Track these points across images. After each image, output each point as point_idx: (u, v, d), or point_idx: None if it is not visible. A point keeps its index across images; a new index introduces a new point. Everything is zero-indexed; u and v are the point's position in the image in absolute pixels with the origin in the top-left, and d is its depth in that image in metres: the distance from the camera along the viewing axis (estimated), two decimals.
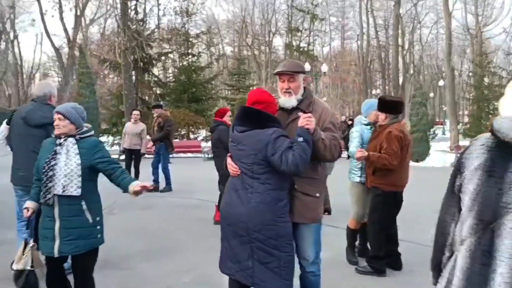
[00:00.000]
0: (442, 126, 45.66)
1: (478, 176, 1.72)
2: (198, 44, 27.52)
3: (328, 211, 7.91)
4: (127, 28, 20.62)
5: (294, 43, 51.47)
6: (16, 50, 46.60)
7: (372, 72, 51.41)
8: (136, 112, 10.81)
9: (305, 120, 3.02)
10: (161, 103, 14.57)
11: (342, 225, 5.65)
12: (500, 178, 1.66)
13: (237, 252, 3.15)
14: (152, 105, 12.45)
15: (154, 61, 24.08)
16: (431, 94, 53.40)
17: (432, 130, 21.35)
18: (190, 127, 21.95)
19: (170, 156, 10.96)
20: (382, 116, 4.87)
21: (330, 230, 6.33)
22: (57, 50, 37.96)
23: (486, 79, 28.35)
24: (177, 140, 22.08)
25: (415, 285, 4.52)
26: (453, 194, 1.86)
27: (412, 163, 17.60)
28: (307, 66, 32.77)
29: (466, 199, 1.76)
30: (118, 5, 21.04)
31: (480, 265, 1.71)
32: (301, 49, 49.86)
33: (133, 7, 22.32)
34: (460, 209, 1.83)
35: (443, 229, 1.93)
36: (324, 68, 31.03)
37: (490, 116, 22.08)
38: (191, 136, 22.59)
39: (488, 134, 1.78)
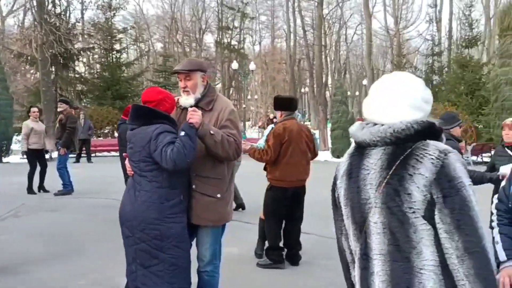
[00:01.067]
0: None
1: (344, 182, 1.74)
2: (124, 39, 26.77)
3: (241, 206, 8.03)
4: (43, 21, 19.68)
5: (225, 41, 51.60)
6: None
7: (301, 70, 52.55)
8: (34, 109, 10.14)
9: (190, 114, 2.97)
10: (68, 99, 13.82)
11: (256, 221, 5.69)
12: (357, 177, 1.68)
13: (126, 255, 3.12)
14: (59, 99, 11.88)
15: (75, 57, 23.12)
16: (357, 93, 55.50)
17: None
18: (114, 125, 21.32)
19: (93, 155, 10.54)
20: (278, 113, 5.07)
21: (245, 226, 6.43)
22: None
23: None
24: (100, 138, 21.41)
25: (316, 276, 4.71)
26: (336, 208, 1.83)
27: (333, 159, 18.46)
28: (234, 65, 33.00)
29: (342, 208, 1.76)
30: None
31: (362, 270, 1.67)
32: (232, 47, 50.05)
33: (51, 0, 21.33)
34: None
35: (339, 247, 1.88)
36: (252, 66, 31.27)
37: None
38: (115, 134, 21.95)
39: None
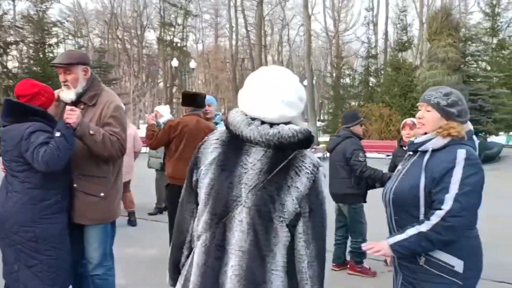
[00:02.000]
0: (306, 123, 48.40)
1: (212, 171, 1.71)
2: (61, 34, 25.54)
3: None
4: None
5: (168, 38, 50.76)
6: None
7: (244, 70, 52.70)
8: None
9: (66, 114, 2.81)
10: None
11: None
12: (231, 172, 1.66)
13: (5, 255, 2.96)
14: None
15: (2, 50, 21.85)
16: None
17: None
18: None
19: None
20: (186, 109, 4.95)
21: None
22: None
23: (342, 80, 30.77)
24: None
25: None
26: (191, 190, 1.83)
27: None
28: (174, 62, 32.47)
29: (202, 194, 1.74)
30: None
31: (213, 259, 1.70)
32: (174, 45, 49.30)
33: None
34: (198, 205, 1.80)
35: (181, 227, 1.88)
36: (193, 64, 30.91)
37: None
38: None
39: (223, 128, 1.77)
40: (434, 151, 2.18)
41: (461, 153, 2.11)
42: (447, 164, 2.10)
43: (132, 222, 6.98)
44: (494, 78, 19.87)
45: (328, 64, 47.43)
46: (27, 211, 2.81)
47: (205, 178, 1.73)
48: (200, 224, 1.75)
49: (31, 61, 23.53)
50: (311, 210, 1.64)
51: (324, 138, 25.97)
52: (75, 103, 3.05)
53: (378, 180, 4.59)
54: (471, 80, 17.31)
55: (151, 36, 56.45)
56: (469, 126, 2.34)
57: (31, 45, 23.59)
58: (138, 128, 14.74)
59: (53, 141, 2.74)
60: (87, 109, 3.00)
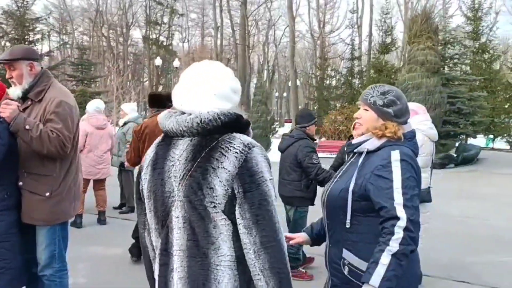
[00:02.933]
0: (290, 123, 48.52)
1: (148, 173, 1.66)
2: (46, 31, 25.22)
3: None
4: None
5: (153, 37, 50.48)
6: None
7: (237, 70, 52.68)
8: None
9: (1, 108, 2.75)
10: None
11: None
12: (162, 168, 1.61)
13: None
14: None
15: None
16: (285, 94, 56.54)
17: (273, 127, 22.54)
18: None
19: None
20: (151, 110, 4.98)
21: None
22: None
23: (327, 82, 30.90)
24: None
25: None
26: (140, 202, 1.75)
27: None
28: (157, 61, 32.28)
29: (146, 201, 1.68)
30: None
31: (161, 266, 1.62)
32: (160, 43, 49.03)
33: None
34: None
35: (143, 243, 1.79)
36: (176, 63, 30.78)
37: (327, 114, 23.99)
38: None
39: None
40: (369, 152, 2.10)
41: (395, 155, 1.99)
42: (380, 167, 1.99)
43: (102, 221, 6.91)
44: (474, 81, 20.11)
45: (313, 65, 47.55)
46: None
47: (145, 183, 1.67)
48: (152, 233, 1.68)
49: None
50: (245, 191, 1.49)
51: None
52: (23, 99, 3.00)
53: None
54: (450, 83, 17.46)
55: (136, 34, 56.19)
56: (411, 126, 2.22)
57: (12, 41, 23.21)
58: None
59: None
60: (34, 105, 2.93)
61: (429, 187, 4.21)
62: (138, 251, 4.99)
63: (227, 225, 1.52)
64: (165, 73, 49.04)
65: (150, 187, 1.64)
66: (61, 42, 45.61)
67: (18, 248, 2.89)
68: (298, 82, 41.31)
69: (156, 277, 1.66)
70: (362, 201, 2.03)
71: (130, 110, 7.45)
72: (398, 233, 1.87)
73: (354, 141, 2.21)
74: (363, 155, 2.13)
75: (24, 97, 2.99)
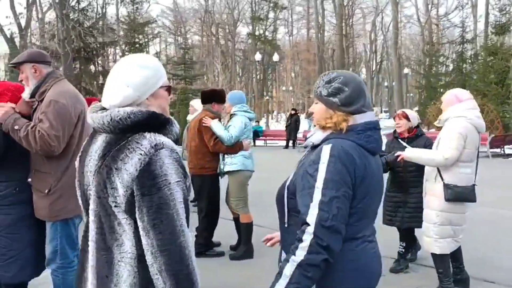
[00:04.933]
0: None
1: (77, 164, 1.73)
2: (162, 33, 27.13)
3: None
4: (65, 17, 20.29)
5: (259, 32, 51.47)
6: None
7: (334, 61, 51.73)
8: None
9: None
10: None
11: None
12: (83, 162, 1.67)
13: None
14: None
15: (99, 50, 23.71)
16: (394, 83, 54.06)
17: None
18: None
19: None
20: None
21: None
22: (12, 40, 36.90)
23: (434, 68, 28.89)
24: None
25: (260, 267, 4.58)
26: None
27: None
28: (256, 56, 32.78)
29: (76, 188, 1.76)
30: None
31: (81, 251, 1.68)
32: (264, 38, 49.77)
33: None
34: None
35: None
36: (276, 57, 30.97)
37: (435, 103, 22.41)
38: None
39: None
40: (314, 147, 1.90)
41: (326, 150, 1.77)
42: (310, 163, 1.80)
43: None
44: None
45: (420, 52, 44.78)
46: None
47: (76, 174, 1.74)
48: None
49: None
50: (143, 194, 1.47)
51: None
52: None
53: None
54: None
55: (244, 31, 57.68)
56: (372, 116, 1.89)
57: (125, 45, 25.27)
58: None
59: None
60: (39, 105, 3.09)
61: (473, 185, 3.74)
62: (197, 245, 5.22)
63: (129, 224, 1.53)
64: (270, 68, 49.77)
65: (77, 178, 1.72)
66: (176, 43, 48.63)
67: (27, 240, 3.09)
68: (406, 70, 39.21)
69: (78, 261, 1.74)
70: (295, 198, 1.85)
71: (200, 106, 7.60)
72: (306, 240, 1.68)
73: (308, 135, 2.03)
74: (307, 150, 1.97)
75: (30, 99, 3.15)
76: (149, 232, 1.48)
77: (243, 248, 5.06)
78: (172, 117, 1.68)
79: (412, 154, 3.95)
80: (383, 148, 4.18)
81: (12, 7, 32.79)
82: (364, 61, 55.11)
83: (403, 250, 4.68)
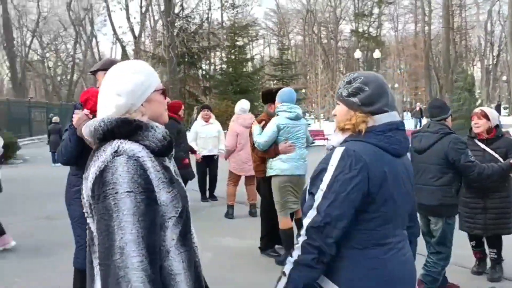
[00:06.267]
0: None
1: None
2: (266, 35, 27.78)
3: None
4: (170, 24, 21.56)
5: (363, 29, 50.18)
6: (95, 50, 50.41)
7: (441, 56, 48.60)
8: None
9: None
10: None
11: None
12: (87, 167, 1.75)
13: None
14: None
15: (201, 55, 24.84)
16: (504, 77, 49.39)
17: None
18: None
19: None
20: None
21: None
22: (123, 47, 40.28)
23: None
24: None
25: None
26: None
27: None
28: (356, 54, 31.86)
29: None
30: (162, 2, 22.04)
31: (88, 252, 1.65)
32: (367, 35, 48.37)
33: (179, 4, 23.20)
34: None
35: None
36: (376, 54, 29.86)
37: None
38: None
39: None
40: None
41: (337, 153, 1.74)
42: (320, 166, 1.77)
43: (253, 213, 7.29)
44: None
45: None
46: (67, 193, 3.40)
47: None
48: None
49: (223, 62, 26.17)
50: (94, 203, 1.45)
51: None
52: None
53: (498, 173, 3.85)
54: None
55: (346, 28, 56.62)
56: (384, 118, 1.79)
57: (226, 49, 26.16)
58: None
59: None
60: None
61: None
62: (265, 244, 5.25)
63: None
64: (374, 64, 48.18)
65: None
66: (279, 44, 49.33)
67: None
68: None
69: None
70: None
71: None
72: (300, 241, 1.72)
73: (329, 137, 1.95)
74: (329, 153, 1.87)
75: None
76: (95, 242, 1.47)
77: (285, 254, 4.90)
78: (154, 123, 1.60)
79: None
80: None
81: (128, 18, 35.71)
82: (479, 54, 50.94)
83: (495, 256, 4.28)
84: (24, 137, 23.64)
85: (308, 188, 1.84)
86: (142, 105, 1.60)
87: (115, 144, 1.50)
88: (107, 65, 3.46)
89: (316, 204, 1.71)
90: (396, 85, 56.18)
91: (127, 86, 1.57)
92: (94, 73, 3.43)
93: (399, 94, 51.86)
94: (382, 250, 1.74)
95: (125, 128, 1.53)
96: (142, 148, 1.50)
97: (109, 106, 1.57)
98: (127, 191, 1.41)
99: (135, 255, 1.37)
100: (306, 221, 1.72)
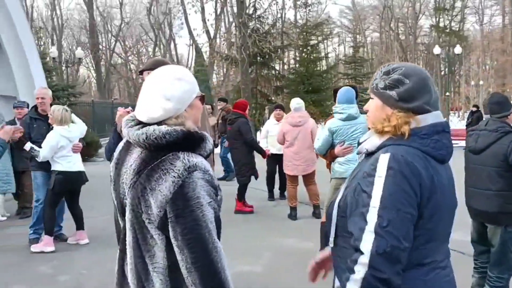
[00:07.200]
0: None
1: (113, 170, 1.80)
2: (341, 33, 27.44)
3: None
4: (242, 25, 21.83)
5: (444, 24, 47.79)
6: (173, 52, 52.40)
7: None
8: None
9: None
10: (225, 98, 14.96)
11: None
12: (120, 170, 1.76)
13: None
14: (218, 98, 13.03)
15: (273, 55, 24.88)
16: None
17: None
18: None
19: None
20: None
21: None
22: (198, 49, 41.38)
23: None
24: None
25: None
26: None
27: None
28: (435, 50, 30.30)
29: (112, 190, 1.83)
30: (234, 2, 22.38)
31: (120, 252, 1.77)
32: (448, 30, 45.92)
33: (251, 5, 23.41)
34: None
35: (115, 219, 2.05)
36: (458, 50, 28.17)
37: None
38: None
39: None
40: (369, 154, 1.64)
41: (383, 160, 1.51)
42: (365, 175, 1.55)
43: (316, 214, 7.17)
44: None
45: None
46: None
47: (112, 175, 1.81)
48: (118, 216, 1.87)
49: (295, 62, 26.04)
50: (177, 216, 1.53)
51: None
52: None
53: None
54: None
55: (426, 23, 54.17)
56: (430, 118, 1.56)
57: (298, 48, 26.06)
58: None
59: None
60: None
61: None
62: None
63: (161, 239, 1.60)
64: (455, 61, 45.73)
65: (114, 182, 1.77)
66: (353, 42, 48.37)
67: None
68: None
69: (117, 257, 1.79)
70: (346, 217, 1.62)
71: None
72: (359, 272, 1.45)
73: (361, 139, 1.77)
74: (362, 158, 1.72)
75: None
76: (183, 250, 1.54)
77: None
78: (207, 133, 1.69)
79: None
80: None
81: (203, 20, 36.67)
82: None
83: None
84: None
85: (339, 202, 1.67)
86: (185, 110, 1.66)
87: (184, 158, 1.57)
88: (152, 65, 3.54)
89: (371, 226, 1.46)
90: (481, 82, 52.97)
91: (177, 92, 1.64)
92: (141, 73, 3.52)
93: (484, 92, 48.78)
94: (423, 270, 1.55)
95: (191, 141, 1.61)
96: (202, 159, 1.62)
97: (156, 109, 1.63)
98: (208, 202, 1.56)
99: (221, 249, 1.58)
100: (365, 247, 1.46)
